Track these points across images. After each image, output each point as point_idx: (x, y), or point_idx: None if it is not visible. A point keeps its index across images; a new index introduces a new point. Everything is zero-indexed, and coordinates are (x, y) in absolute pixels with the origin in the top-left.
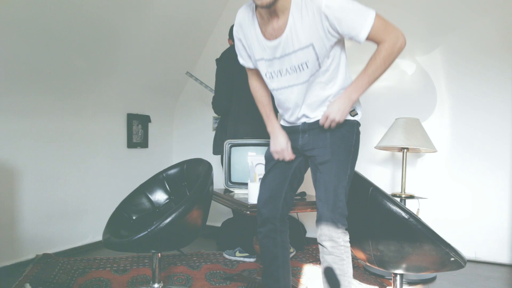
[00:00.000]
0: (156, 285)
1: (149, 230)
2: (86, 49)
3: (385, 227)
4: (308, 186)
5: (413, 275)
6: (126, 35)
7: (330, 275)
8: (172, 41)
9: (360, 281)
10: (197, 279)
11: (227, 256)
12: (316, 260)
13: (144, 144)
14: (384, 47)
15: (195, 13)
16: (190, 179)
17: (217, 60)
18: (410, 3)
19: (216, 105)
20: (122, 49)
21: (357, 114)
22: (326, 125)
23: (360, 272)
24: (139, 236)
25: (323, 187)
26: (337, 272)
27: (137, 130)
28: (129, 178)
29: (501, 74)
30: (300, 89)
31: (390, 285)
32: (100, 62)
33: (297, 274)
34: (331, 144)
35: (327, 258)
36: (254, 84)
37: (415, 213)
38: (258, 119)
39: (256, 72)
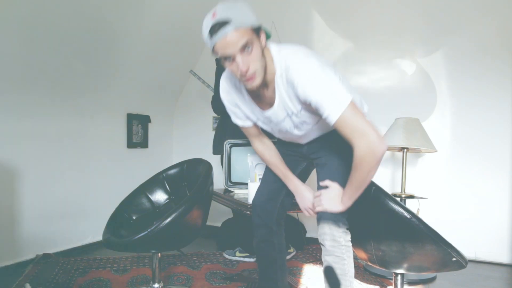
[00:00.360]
0: (156, 285)
1: (149, 230)
2: (86, 50)
3: (387, 227)
4: (309, 186)
5: (413, 275)
6: (126, 35)
7: (330, 275)
8: (172, 41)
9: (360, 280)
10: (197, 279)
11: (227, 256)
12: (316, 260)
13: (144, 144)
14: (356, 155)
15: (195, 12)
16: (190, 179)
17: (217, 59)
18: (410, 5)
19: (216, 104)
20: (122, 50)
21: None
22: (315, 209)
23: (360, 272)
24: (139, 236)
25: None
26: (338, 272)
27: (137, 130)
28: (129, 178)
29: (501, 74)
30: (305, 135)
31: (390, 284)
32: (100, 63)
33: (297, 274)
34: (336, 146)
35: (327, 258)
36: (259, 148)
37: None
38: None
39: (256, 133)
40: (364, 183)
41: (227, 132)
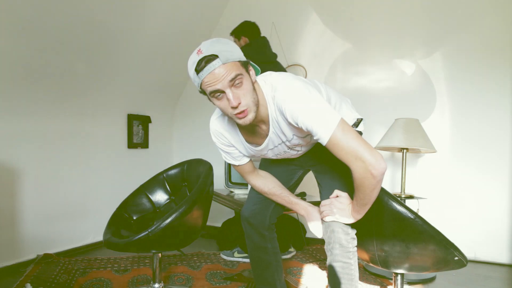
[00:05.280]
0: (156, 285)
1: (149, 230)
2: (86, 50)
3: (391, 228)
4: (308, 186)
5: (413, 275)
6: (126, 36)
7: (338, 281)
8: (172, 41)
9: (360, 280)
10: (198, 279)
11: (225, 257)
12: (316, 260)
13: (144, 144)
14: (354, 178)
15: (195, 13)
16: (190, 179)
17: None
18: (410, 6)
19: None
20: (122, 50)
21: (358, 126)
22: (324, 218)
23: (360, 272)
24: (139, 236)
25: (331, 194)
26: (346, 277)
27: (138, 130)
28: (130, 178)
29: (501, 75)
30: (302, 154)
31: (390, 284)
32: (100, 63)
33: (297, 274)
34: None
35: (335, 265)
36: (257, 183)
37: None
38: None
39: (252, 169)
40: (370, 200)
41: None
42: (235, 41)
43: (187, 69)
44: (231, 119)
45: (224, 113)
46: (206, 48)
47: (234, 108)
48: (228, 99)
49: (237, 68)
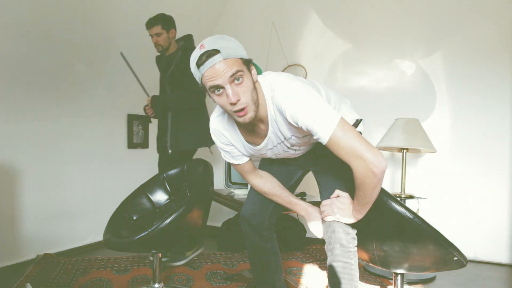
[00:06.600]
0: (156, 285)
1: (149, 230)
2: (86, 50)
3: (390, 228)
4: (308, 186)
5: (413, 275)
6: (126, 35)
7: (338, 281)
8: None
9: (360, 280)
10: (198, 279)
11: (178, 263)
12: (316, 260)
13: (144, 144)
14: (355, 177)
15: (195, 12)
16: (190, 179)
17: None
18: (410, 6)
19: (194, 100)
20: (122, 50)
21: (357, 126)
22: (325, 218)
23: (360, 272)
24: (139, 236)
25: (331, 194)
26: (346, 277)
27: (138, 130)
28: (130, 178)
29: (500, 75)
30: (299, 153)
31: (390, 284)
32: (100, 63)
33: (297, 274)
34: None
35: (335, 264)
36: (256, 182)
37: None
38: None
39: (252, 168)
40: (370, 199)
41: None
42: (161, 33)
43: (189, 63)
44: (231, 118)
45: (224, 110)
46: (209, 44)
47: (233, 104)
48: (227, 95)
49: (238, 65)
